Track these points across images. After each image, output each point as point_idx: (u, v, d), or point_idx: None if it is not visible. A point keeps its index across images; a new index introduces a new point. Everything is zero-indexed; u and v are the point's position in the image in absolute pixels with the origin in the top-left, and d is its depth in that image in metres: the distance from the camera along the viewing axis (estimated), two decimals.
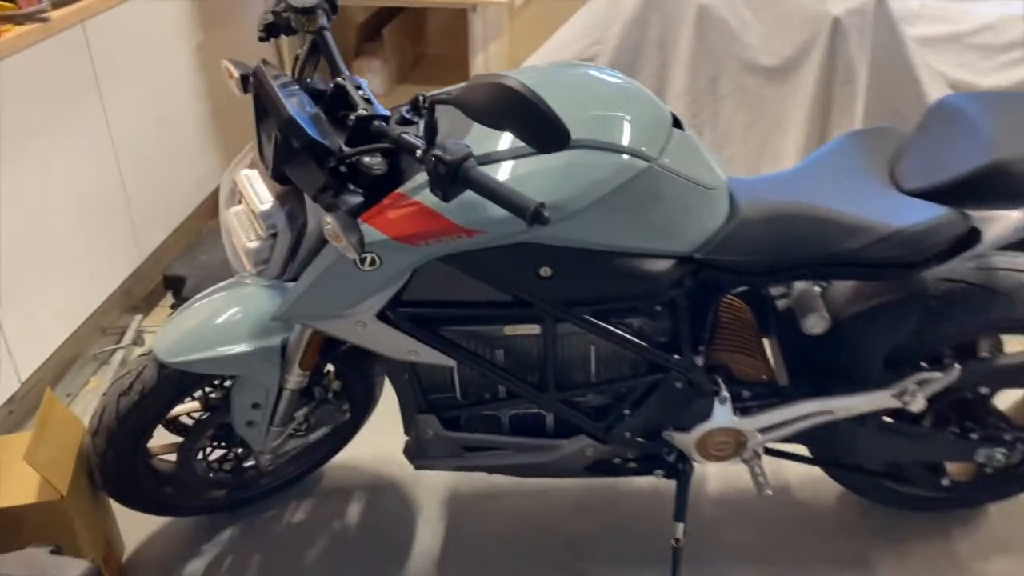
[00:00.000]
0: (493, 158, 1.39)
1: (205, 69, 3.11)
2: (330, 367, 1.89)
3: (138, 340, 2.64)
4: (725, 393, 1.68)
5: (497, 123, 1.18)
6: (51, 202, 2.38)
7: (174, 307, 2.78)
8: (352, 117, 1.40)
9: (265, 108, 1.42)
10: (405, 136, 1.32)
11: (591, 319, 1.56)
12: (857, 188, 1.60)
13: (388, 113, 1.43)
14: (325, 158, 1.35)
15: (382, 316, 1.52)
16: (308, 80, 1.51)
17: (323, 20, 1.50)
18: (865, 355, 1.69)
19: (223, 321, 1.66)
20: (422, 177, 1.38)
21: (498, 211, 1.35)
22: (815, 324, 1.66)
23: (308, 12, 1.47)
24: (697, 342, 1.63)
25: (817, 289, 1.75)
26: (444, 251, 1.43)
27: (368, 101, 1.43)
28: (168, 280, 2.79)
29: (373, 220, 1.39)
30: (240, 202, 1.57)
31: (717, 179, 1.53)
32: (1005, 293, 1.66)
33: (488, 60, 3.05)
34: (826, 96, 2.35)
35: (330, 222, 1.31)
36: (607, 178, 1.40)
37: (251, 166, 1.54)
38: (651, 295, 1.56)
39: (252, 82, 1.44)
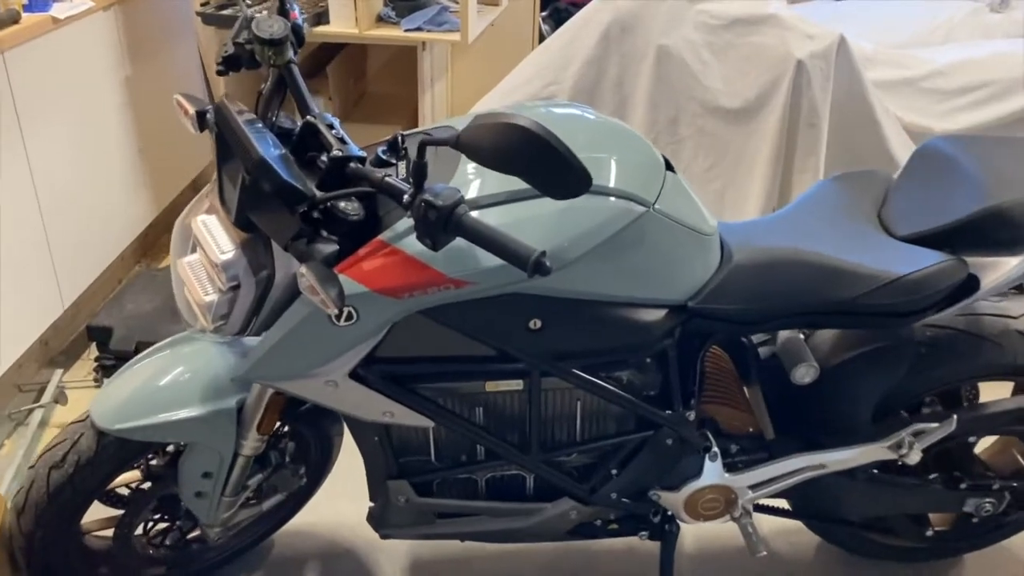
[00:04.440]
0: (482, 203, 1.28)
1: (134, 104, 2.92)
2: (285, 427, 1.73)
3: (59, 398, 2.40)
4: (716, 449, 1.61)
5: (508, 167, 1.07)
6: None
7: (98, 360, 2.55)
8: (325, 158, 1.28)
9: (228, 148, 1.28)
10: (389, 179, 1.20)
11: (579, 373, 1.45)
12: (848, 233, 1.55)
13: (364, 154, 1.31)
14: (298, 203, 1.22)
15: (355, 375, 1.39)
16: (273, 118, 1.39)
17: (290, 53, 1.38)
18: (853, 405, 1.63)
19: (171, 382, 1.50)
20: (404, 223, 1.27)
21: (490, 260, 1.24)
22: (805, 374, 1.60)
23: (276, 44, 1.34)
24: (688, 395, 1.55)
25: (802, 336, 1.70)
26: (428, 304, 1.31)
27: (342, 141, 1.31)
28: (92, 331, 2.54)
29: (350, 270, 1.27)
30: (195, 251, 1.42)
31: (710, 224, 1.46)
32: (992, 339, 1.63)
33: (434, 99, 2.97)
34: (790, 138, 2.33)
35: (305, 273, 1.18)
36: (605, 224, 1.31)
37: (209, 211, 1.39)
38: (643, 346, 1.46)
39: (214, 119, 1.30)
